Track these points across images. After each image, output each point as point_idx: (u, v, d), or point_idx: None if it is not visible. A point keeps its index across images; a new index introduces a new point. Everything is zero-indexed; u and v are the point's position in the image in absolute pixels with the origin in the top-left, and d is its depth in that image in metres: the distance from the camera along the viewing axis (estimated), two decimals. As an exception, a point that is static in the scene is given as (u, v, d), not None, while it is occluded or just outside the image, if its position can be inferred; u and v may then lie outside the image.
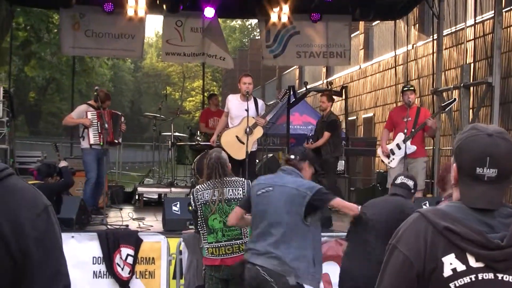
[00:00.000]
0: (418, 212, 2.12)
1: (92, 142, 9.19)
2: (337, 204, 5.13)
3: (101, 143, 9.05)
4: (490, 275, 2.01)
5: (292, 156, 5.18)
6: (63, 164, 7.85)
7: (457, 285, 2.03)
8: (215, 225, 5.57)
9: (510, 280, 2.01)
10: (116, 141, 9.76)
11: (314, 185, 5.00)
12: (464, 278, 2.03)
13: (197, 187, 5.79)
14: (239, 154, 8.67)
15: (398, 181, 5.39)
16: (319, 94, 10.44)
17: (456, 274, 2.03)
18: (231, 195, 5.59)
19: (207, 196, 5.58)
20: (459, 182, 2.13)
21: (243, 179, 5.92)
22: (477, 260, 2.02)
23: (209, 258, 5.62)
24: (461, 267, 2.03)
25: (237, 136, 8.92)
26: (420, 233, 2.06)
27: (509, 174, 2.09)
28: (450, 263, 2.03)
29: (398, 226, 2.18)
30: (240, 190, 5.62)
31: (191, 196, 5.76)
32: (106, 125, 8.96)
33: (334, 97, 11.22)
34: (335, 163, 10.62)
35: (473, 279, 2.02)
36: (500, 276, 2.01)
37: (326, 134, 10.19)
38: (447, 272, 2.03)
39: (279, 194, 4.92)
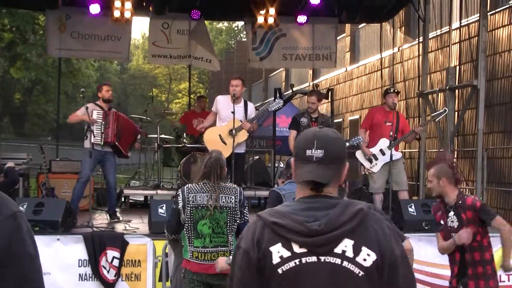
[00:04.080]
0: (257, 215, 2.40)
1: (93, 141, 9.07)
2: None
3: (101, 143, 8.97)
4: (313, 258, 2.29)
5: None
6: (9, 164, 8.86)
7: (284, 269, 2.29)
8: (204, 230, 5.40)
9: (330, 260, 2.28)
10: (117, 146, 9.51)
11: None
12: (290, 263, 2.29)
13: (189, 186, 5.52)
14: None
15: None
16: (307, 95, 10.17)
17: (282, 260, 2.30)
18: (223, 202, 5.43)
19: (200, 200, 5.39)
20: (296, 168, 2.42)
21: (236, 186, 5.70)
22: (300, 247, 2.29)
23: (193, 262, 5.48)
24: (286, 253, 2.30)
25: (220, 135, 9.07)
26: (252, 229, 2.37)
27: (336, 156, 2.37)
28: (278, 251, 2.31)
29: None
30: (232, 198, 5.46)
31: (180, 194, 5.47)
32: (109, 127, 9.17)
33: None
34: None
35: (298, 263, 2.29)
36: (322, 258, 2.28)
37: None
38: (275, 260, 2.30)
39: None
